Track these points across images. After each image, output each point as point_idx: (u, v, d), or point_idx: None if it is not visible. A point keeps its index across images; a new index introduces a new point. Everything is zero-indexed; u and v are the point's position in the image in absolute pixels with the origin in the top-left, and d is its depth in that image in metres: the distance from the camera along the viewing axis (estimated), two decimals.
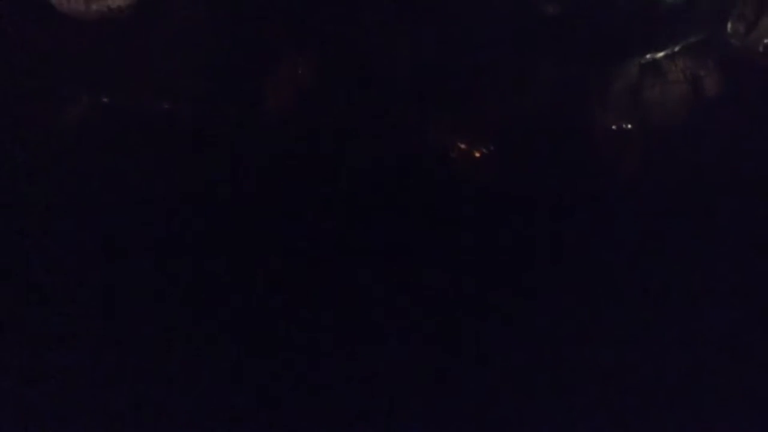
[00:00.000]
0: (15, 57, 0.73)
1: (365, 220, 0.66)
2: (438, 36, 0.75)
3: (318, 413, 0.69)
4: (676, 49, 0.75)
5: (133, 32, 0.73)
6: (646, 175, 0.67)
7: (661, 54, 0.75)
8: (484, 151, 0.72)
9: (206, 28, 0.76)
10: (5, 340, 0.68)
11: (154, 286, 0.66)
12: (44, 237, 0.66)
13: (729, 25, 0.75)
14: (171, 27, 0.76)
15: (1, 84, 0.72)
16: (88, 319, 0.67)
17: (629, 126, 0.70)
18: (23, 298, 0.67)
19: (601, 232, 0.65)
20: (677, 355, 0.66)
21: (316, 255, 0.64)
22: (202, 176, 0.69)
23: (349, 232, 0.67)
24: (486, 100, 0.72)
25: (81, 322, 0.67)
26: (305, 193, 0.69)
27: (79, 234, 0.65)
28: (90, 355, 0.65)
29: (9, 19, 0.76)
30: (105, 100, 0.70)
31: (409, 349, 0.66)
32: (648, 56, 0.74)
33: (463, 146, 0.73)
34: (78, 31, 0.73)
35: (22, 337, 0.67)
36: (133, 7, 0.71)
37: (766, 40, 0.74)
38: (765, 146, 0.70)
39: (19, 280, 0.66)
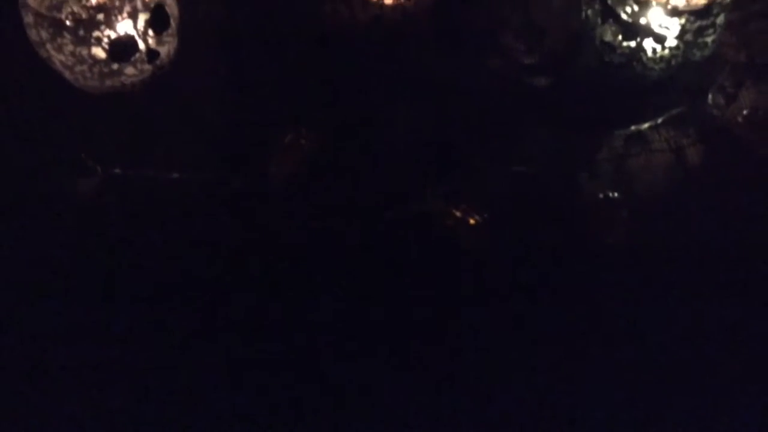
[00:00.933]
0: (32, 129, 0.77)
1: (363, 286, 0.69)
2: (434, 109, 0.79)
3: None
4: (660, 120, 0.78)
5: (145, 106, 0.77)
6: (631, 241, 0.70)
7: (645, 125, 0.78)
8: (478, 218, 0.74)
9: (214, 101, 0.79)
10: None
11: (157, 344, 0.68)
12: (54, 306, 0.68)
13: (710, 97, 0.78)
14: (181, 101, 0.79)
15: (17, 155, 0.75)
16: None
17: (616, 194, 0.73)
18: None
19: (589, 299, 0.67)
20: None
21: (315, 322, 0.65)
22: (209, 241, 0.72)
23: (347, 297, 0.69)
24: (480, 169, 0.75)
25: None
26: (307, 257, 0.72)
27: (91, 301, 0.67)
28: None
29: (26, 93, 0.80)
30: (117, 170, 0.73)
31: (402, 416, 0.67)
32: (633, 127, 0.77)
33: (458, 214, 0.75)
34: (92, 105, 0.76)
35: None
36: (146, 82, 0.75)
37: (745, 111, 0.77)
38: (746, 212, 0.72)
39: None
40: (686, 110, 0.80)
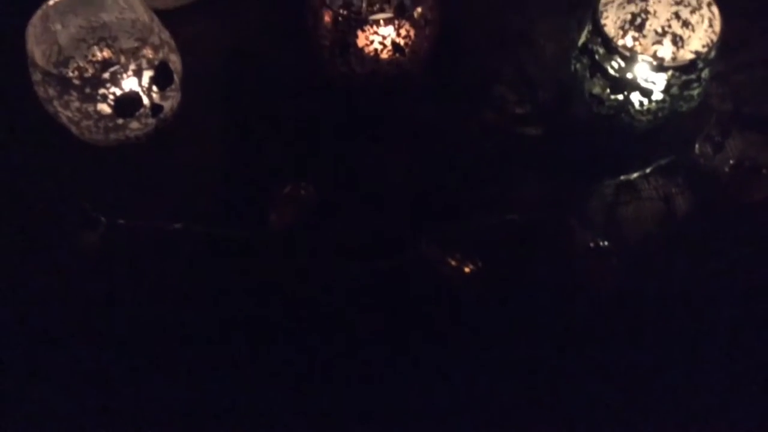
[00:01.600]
0: (37, 180, 0.78)
1: (359, 333, 0.70)
2: (429, 157, 0.81)
3: None
4: (649, 169, 0.80)
5: (148, 159, 0.78)
6: (622, 288, 0.71)
7: (635, 174, 0.80)
8: (473, 266, 0.76)
9: (215, 153, 0.81)
10: None
11: (160, 394, 0.69)
12: (57, 355, 0.69)
13: (697, 147, 0.80)
14: (183, 152, 0.81)
15: (22, 206, 0.77)
16: None
17: (606, 242, 0.75)
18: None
19: (580, 346, 0.68)
20: None
21: (309, 372, 0.66)
22: (210, 291, 0.74)
23: (345, 343, 0.70)
24: (474, 217, 0.77)
25: None
26: (305, 305, 0.73)
27: (94, 350, 0.68)
28: None
29: (31, 144, 0.82)
30: (121, 221, 0.75)
31: None
32: (623, 176, 0.79)
33: (453, 262, 0.77)
34: (97, 158, 0.78)
35: None
36: (149, 135, 0.77)
37: (731, 161, 0.79)
38: (733, 259, 0.74)
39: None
40: (674, 159, 0.82)
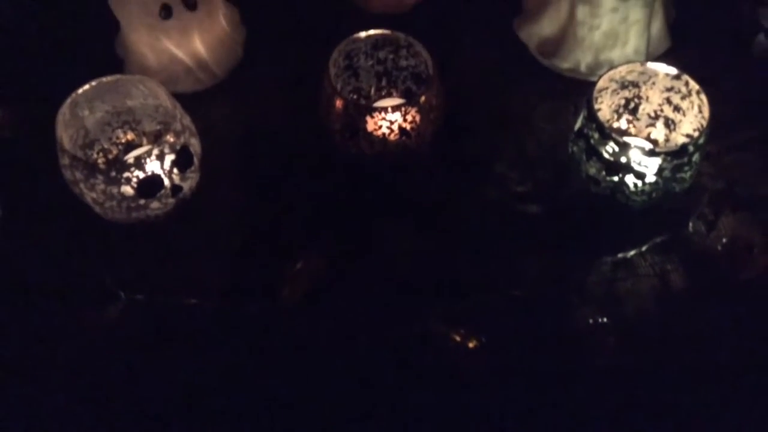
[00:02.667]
0: (59, 256, 0.82)
1: (366, 406, 0.72)
2: (434, 234, 0.84)
3: None
4: (645, 247, 0.83)
5: (167, 236, 0.82)
6: (620, 364, 0.74)
7: (632, 251, 0.83)
8: (476, 342, 0.79)
9: (231, 231, 0.85)
10: None
11: None
12: (80, 427, 0.71)
13: (691, 225, 0.84)
14: (200, 231, 0.85)
15: (44, 281, 0.80)
16: None
17: (604, 319, 0.77)
18: None
19: (581, 421, 0.70)
20: None
21: None
22: (226, 363, 0.76)
23: (353, 416, 0.72)
24: (476, 293, 0.80)
25: None
26: (317, 378, 0.75)
27: (114, 426, 0.70)
28: None
29: (55, 222, 0.86)
30: (140, 297, 0.78)
31: None
32: (620, 254, 0.82)
33: (457, 337, 0.80)
34: (119, 236, 0.82)
35: None
36: (168, 214, 0.81)
37: (724, 239, 0.82)
38: (727, 336, 0.76)
39: None
40: (669, 237, 0.85)
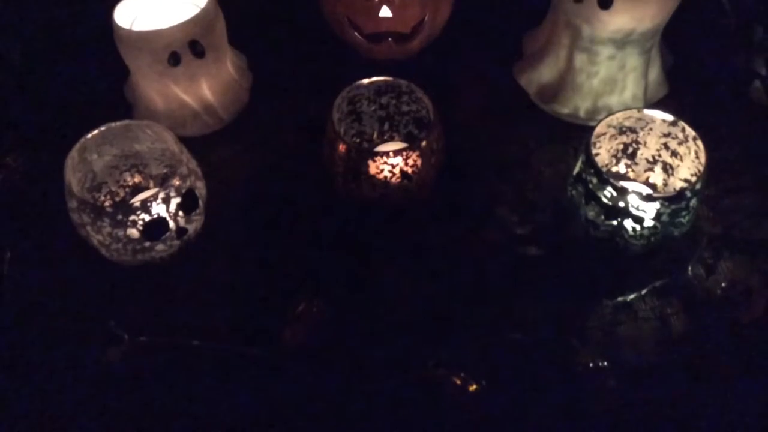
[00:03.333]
0: (65, 299, 0.83)
1: None
2: (436, 276, 0.85)
3: None
4: (644, 291, 0.84)
5: (171, 278, 0.83)
6: (621, 407, 0.74)
7: (632, 295, 0.83)
8: (477, 386, 0.79)
9: (234, 272, 0.86)
10: None
11: None
12: None
13: (690, 269, 0.85)
14: (203, 272, 0.86)
15: (51, 324, 0.81)
16: None
17: (605, 363, 0.78)
18: None
19: None
20: None
21: None
22: (226, 404, 0.77)
23: None
24: (477, 336, 0.81)
25: None
26: (318, 422, 0.76)
27: None
28: None
29: (62, 270, 0.87)
30: (142, 338, 0.79)
31: None
32: (620, 297, 0.82)
33: (458, 381, 0.80)
34: (124, 278, 0.83)
35: None
36: (174, 256, 0.82)
37: (723, 284, 0.83)
38: (727, 378, 0.76)
39: None
40: (669, 281, 0.86)
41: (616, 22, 0.84)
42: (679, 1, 0.91)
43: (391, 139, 1.01)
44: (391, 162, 0.87)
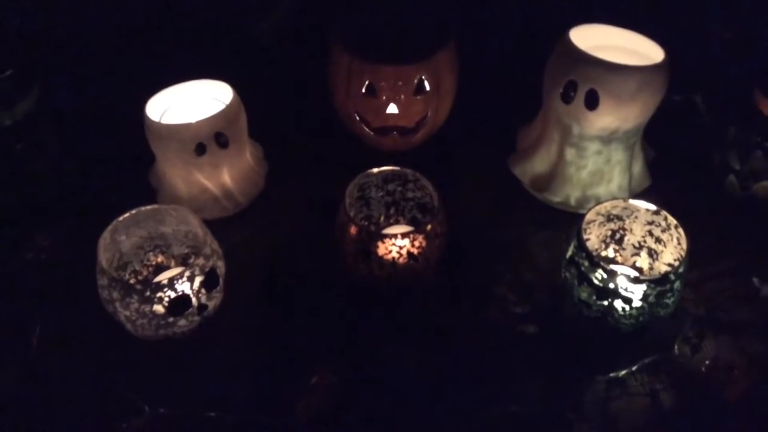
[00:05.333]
0: (89, 372, 0.87)
1: None
2: (439, 352, 0.90)
3: None
4: (635, 367, 0.89)
5: (190, 352, 0.88)
6: None
7: (623, 371, 0.89)
8: None
9: (249, 347, 0.90)
10: None
11: None
12: None
13: (676, 347, 0.90)
14: (220, 347, 0.91)
15: (74, 396, 0.85)
16: None
17: None
18: None
19: None
20: None
21: None
22: None
23: None
24: (477, 409, 0.84)
25: None
26: None
27: None
28: None
29: (87, 339, 0.91)
30: (162, 410, 0.83)
31: None
32: (612, 374, 0.88)
33: None
34: (146, 351, 0.88)
35: None
36: (194, 331, 0.87)
37: (707, 361, 0.88)
38: None
39: None
40: (658, 358, 0.92)
41: (602, 121, 0.93)
42: (658, 104, 1.01)
43: (397, 222, 1.09)
44: (398, 244, 0.94)
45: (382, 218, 1.08)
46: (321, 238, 1.02)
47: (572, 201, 1.09)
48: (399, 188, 1.05)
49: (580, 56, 0.96)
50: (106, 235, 0.90)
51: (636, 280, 0.86)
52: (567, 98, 0.99)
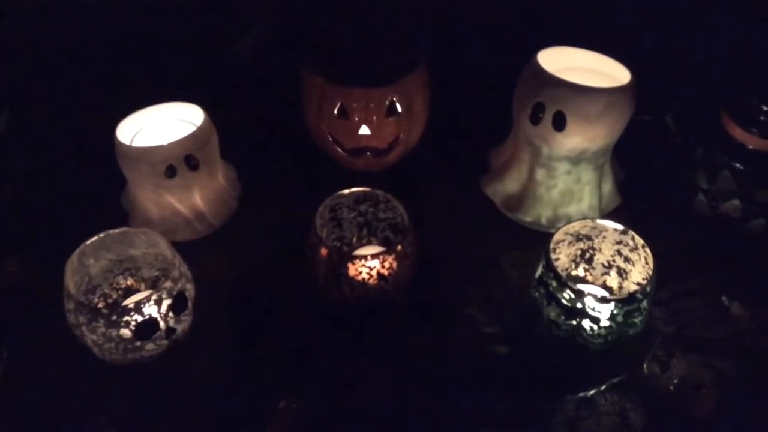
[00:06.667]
0: (60, 398, 0.86)
1: None
2: (410, 373, 0.89)
3: None
4: (603, 387, 0.89)
5: (158, 375, 0.87)
6: None
7: (592, 391, 0.89)
8: None
9: (218, 371, 0.90)
10: None
11: None
12: None
13: (645, 366, 0.91)
14: (189, 370, 0.90)
15: (42, 418, 0.84)
16: None
17: None
18: None
19: None
20: None
21: None
22: None
23: None
24: (449, 428, 0.85)
25: None
26: None
27: None
28: None
29: (54, 367, 0.91)
30: None
31: None
32: (581, 393, 0.88)
33: None
34: (114, 375, 0.87)
35: None
36: (162, 354, 0.86)
37: (676, 380, 0.89)
38: None
39: None
40: (627, 377, 0.92)
41: (570, 142, 0.94)
42: (625, 124, 1.02)
43: (369, 243, 1.09)
44: (369, 265, 0.94)
45: (354, 239, 1.08)
46: (293, 259, 1.02)
47: (543, 220, 1.10)
48: (371, 209, 1.05)
49: (547, 78, 0.97)
50: (73, 259, 0.89)
51: (603, 300, 0.86)
52: (535, 120, 1.00)
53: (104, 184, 1.12)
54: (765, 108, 1.03)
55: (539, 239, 1.08)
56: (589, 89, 0.86)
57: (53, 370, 0.94)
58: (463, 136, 1.13)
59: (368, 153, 1.05)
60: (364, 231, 1.08)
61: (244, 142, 1.24)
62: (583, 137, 0.90)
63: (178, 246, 0.95)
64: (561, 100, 0.88)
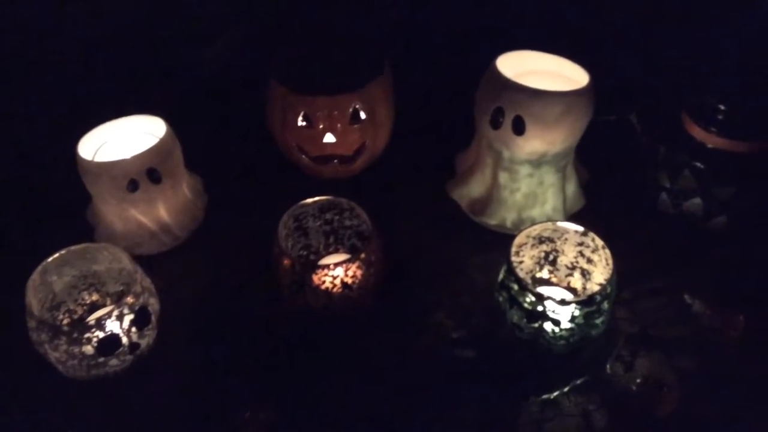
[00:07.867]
0: (26, 415, 0.86)
1: None
2: (377, 380, 0.90)
3: None
4: (567, 388, 0.90)
5: (124, 390, 0.87)
6: None
7: (556, 392, 0.89)
8: None
9: (183, 384, 0.90)
10: None
11: None
12: None
13: (608, 367, 0.91)
14: (155, 384, 0.90)
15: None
16: None
17: None
18: None
19: None
20: None
21: None
22: None
23: None
24: (416, 430, 0.86)
25: None
26: None
27: None
28: None
29: (20, 385, 0.90)
30: None
31: None
32: (545, 395, 0.88)
33: None
34: (79, 392, 0.87)
35: None
36: (127, 370, 0.86)
37: (638, 379, 0.89)
38: None
39: None
40: (590, 378, 0.93)
41: (530, 146, 0.95)
42: (584, 127, 1.02)
43: (336, 251, 1.09)
44: (332, 274, 0.94)
45: (321, 247, 1.08)
46: (260, 269, 1.03)
47: (508, 223, 1.11)
48: (336, 217, 1.06)
49: (505, 84, 0.98)
50: (35, 277, 0.89)
51: (563, 302, 0.87)
52: (496, 124, 1.01)
53: (72, 198, 1.12)
54: (723, 108, 1.04)
55: (505, 242, 1.08)
56: (547, 93, 0.87)
57: (18, 388, 0.93)
58: (429, 141, 1.13)
59: (335, 160, 1.06)
60: (331, 239, 1.09)
61: (210, 152, 1.24)
62: (542, 141, 0.91)
63: (145, 259, 0.95)
64: (519, 105, 0.89)
